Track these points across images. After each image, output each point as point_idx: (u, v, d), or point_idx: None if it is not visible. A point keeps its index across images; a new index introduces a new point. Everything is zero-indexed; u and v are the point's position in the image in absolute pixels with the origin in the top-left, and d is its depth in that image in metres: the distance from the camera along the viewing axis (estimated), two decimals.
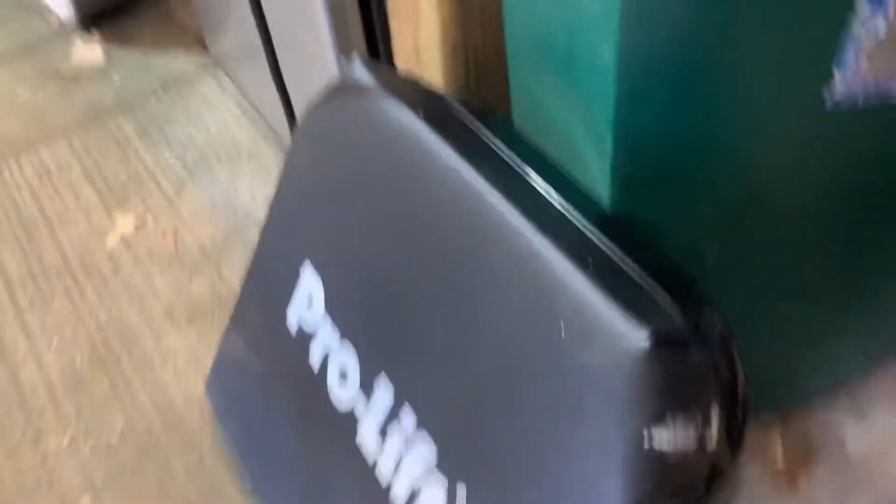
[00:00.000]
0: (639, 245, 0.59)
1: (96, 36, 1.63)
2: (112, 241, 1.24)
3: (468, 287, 0.60)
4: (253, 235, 0.89)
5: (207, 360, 0.98)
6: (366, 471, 0.67)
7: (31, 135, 1.45)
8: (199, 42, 1.58)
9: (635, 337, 0.48)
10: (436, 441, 0.62)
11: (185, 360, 1.07)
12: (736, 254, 0.68)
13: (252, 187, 1.29)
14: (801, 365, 0.88)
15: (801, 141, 0.58)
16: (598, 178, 0.63)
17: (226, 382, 0.91)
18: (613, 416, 0.49)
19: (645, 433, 0.47)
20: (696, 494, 0.50)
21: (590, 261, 0.53)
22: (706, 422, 0.49)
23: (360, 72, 0.71)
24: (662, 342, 0.48)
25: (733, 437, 0.53)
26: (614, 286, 0.51)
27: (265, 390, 0.83)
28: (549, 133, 0.72)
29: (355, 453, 0.68)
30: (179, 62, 1.56)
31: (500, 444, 0.57)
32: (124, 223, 1.26)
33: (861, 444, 0.90)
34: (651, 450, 0.47)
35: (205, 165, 1.35)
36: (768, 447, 0.90)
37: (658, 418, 0.47)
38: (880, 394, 0.93)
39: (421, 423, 0.63)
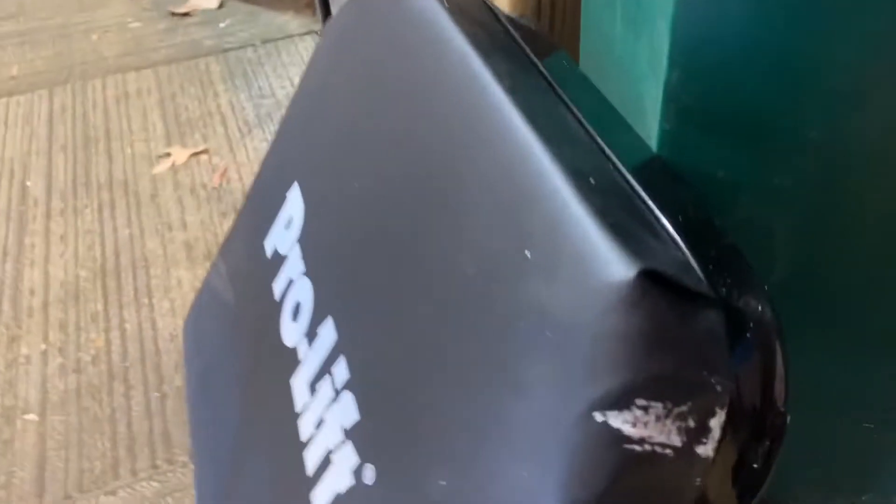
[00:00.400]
0: (675, 191, 0.43)
1: None
2: (161, 168, 1.18)
3: (444, 211, 0.46)
4: None
5: None
6: (291, 417, 0.54)
7: (125, 61, 1.44)
8: (310, 7, 1.54)
9: (618, 270, 0.32)
10: (359, 409, 0.47)
11: (186, 296, 0.97)
12: (821, 260, 0.50)
13: None
14: (883, 467, 0.68)
15: None
16: (651, 112, 0.48)
17: (201, 318, 0.81)
18: (566, 380, 0.33)
19: (603, 409, 0.31)
20: None
21: (592, 181, 0.38)
22: (701, 425, 0.33)
23: None
24: (657, 284, 0.32)
25: (742, 474, 0.36)
26: (612, 212, 0.36)
27: (232, 324, 0.72)
28: (612, 78, 0.58)
29: (286, 394, 0.55)
30: (286, 21, 1.52)
31: (425, 422, 0.42)
32: (179, 154, 1.20)
33: None
34: (609, 432, 0.31)
35: (276, 117, 1.28)
36: None
37: (628, 392, 0.31)
38: None
39: (351, 384, 0.49)
